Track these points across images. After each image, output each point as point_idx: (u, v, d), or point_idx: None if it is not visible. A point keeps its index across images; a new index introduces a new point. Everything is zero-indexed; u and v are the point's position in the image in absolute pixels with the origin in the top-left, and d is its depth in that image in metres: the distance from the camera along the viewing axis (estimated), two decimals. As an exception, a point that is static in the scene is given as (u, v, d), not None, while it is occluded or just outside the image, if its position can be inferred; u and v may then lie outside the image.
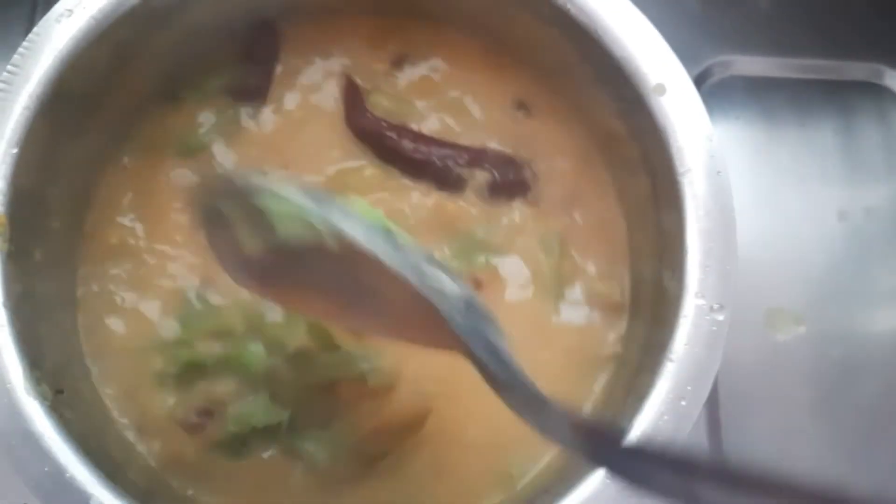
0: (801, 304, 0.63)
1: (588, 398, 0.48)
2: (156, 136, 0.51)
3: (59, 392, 0.41)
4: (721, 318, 0.41)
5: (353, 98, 0.52)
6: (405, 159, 0.51)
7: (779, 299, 0.63)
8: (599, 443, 0.32)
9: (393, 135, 0.51)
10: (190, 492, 0.46)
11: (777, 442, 0.61)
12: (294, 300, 0.41)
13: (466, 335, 0.34)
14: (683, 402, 0.40)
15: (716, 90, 0.67)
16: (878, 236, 0.65)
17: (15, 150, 0.42)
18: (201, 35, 0.50)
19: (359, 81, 0.52)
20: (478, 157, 0.51)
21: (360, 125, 0.51)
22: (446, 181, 0.50)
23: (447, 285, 0.34)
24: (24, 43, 0.43)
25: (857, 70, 0.68)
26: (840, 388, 0.62)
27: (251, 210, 0.35)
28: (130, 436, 0.46)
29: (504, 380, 0.34)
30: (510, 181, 0.51)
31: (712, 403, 0.61)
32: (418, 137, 0.51)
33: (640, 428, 0.40)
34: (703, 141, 0.44)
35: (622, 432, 0.38)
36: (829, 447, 0.61)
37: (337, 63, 0.53)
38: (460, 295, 0.35)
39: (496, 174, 0.51)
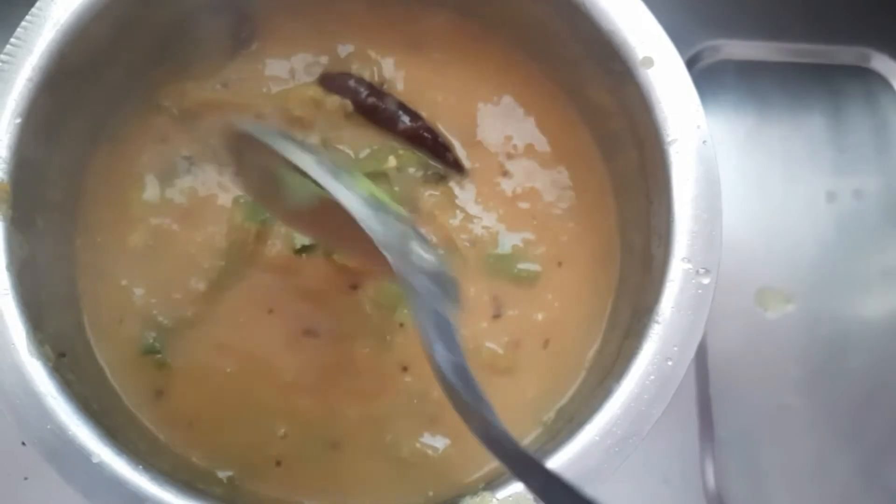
0: (791, 284, 0.64)
1: (580, 364, 0.49)
2: (149, 111, 0.52)
3: (61, 355, 0.42)
4: (707, 281, 0.42)
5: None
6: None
7: (768, 278, 0.64)
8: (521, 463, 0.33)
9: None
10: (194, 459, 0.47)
11: (766, 418, 0.62)
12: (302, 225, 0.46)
13: (417, 309, 0.36)
14: (670, 363, 0.41)
15: (706, 74, 0.68)
16: (866, 217, 0.66)
17: (18, 120, 0.43)
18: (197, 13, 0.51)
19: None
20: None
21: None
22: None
23: (425, 258, 0.37)
24: (27, 17, 0.44)
25: (845, 54, 0.69)
26: (829, 365, 0.63)
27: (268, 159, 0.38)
28: (130, 403, 0.47)
29: (441, 356, 0.35)
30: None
31: (702, 380, 0.62)
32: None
33: (628, 388, 0.41)
34: (689, 111, 0.45)
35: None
36: (818, 423, 0.62)
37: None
38: (432, 267, 0.37)
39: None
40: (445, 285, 0.37)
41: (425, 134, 0.52)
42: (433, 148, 0.52)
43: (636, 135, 0.47)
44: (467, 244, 0.51)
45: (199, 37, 0.52)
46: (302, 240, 0.49)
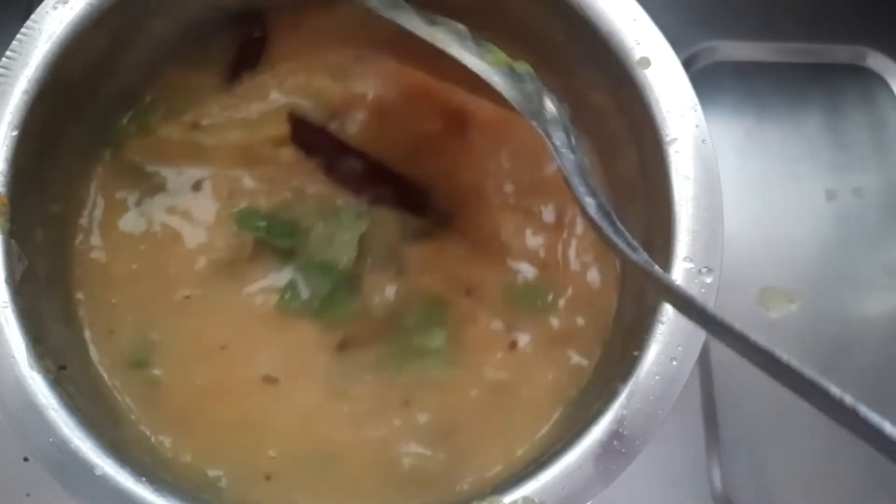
0: (793, 283, 0.64)
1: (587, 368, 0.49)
2: (137, 129, 0.52)
3: (62, 368, 0.42)
4: (709, 280, 0.42)
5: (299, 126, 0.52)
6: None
7: (770, 278, 0.64)
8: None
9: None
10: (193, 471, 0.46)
11: (772, 419, 0.62)
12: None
13: (563, 161, 0.41)
14: (674, 362, 0.41)
15: (702, 76, 0.68)
16: (866, 215, 0.66)
17: (15, 133, 0.43)
18: (194, 24, 0.51)
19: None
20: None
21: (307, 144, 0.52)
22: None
23: (554, 112, 0.42)
24: (23, 29, 0.44)
25: (841, 53, 0.70)
26: (833, 364, 0.63)
27: None
28: (128, 416, 0.47)
29: (588, 202, 0.40)
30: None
31: (706, 382, 0.62)
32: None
33: (633, 388, 0.41)
34: (687, 111, 0.45)
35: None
36: (824, 423, 0.61)
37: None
38: (562, 119, 0.42)
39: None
40: (572, 134, 0.42)
41: (399, 200, 0.51)
42: (407, 212, 0.51)
43: (635, 136, 0.47)
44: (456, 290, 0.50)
45: (195, 53, 0.53)
46: (287, 298, 0.49)
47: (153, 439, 0.46)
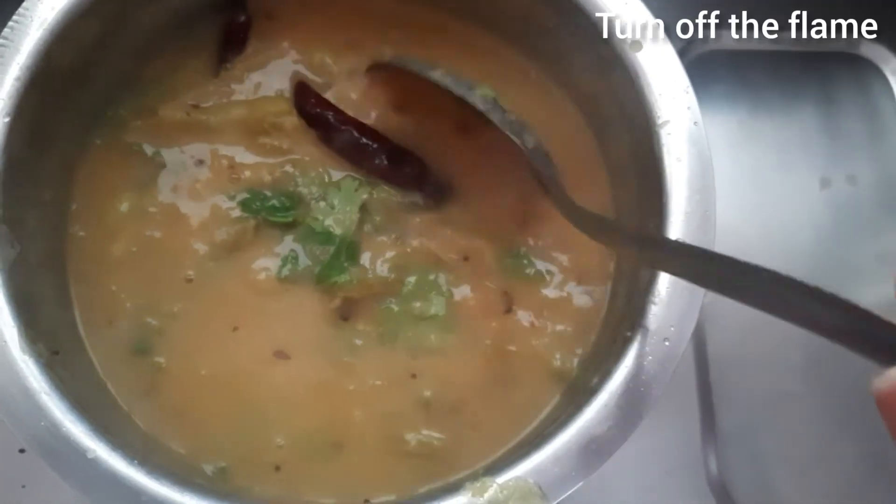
0: (788, 271, 0.64)
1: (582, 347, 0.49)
2: (136, 112, 0.52)
3: (54, 353, 0.42)
4: (702, 261, 0.42)
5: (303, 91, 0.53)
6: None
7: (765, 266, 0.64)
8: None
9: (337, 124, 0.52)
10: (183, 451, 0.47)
11: (768, 406, 0.62)
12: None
13: (539, 168, 0.47)
14: (667, 343, 0.41)
15: (697, 65, 0.68)
16: (860, 203, 0.66)
17: (7, 119, 0.43)
18: (182, 11, 0.51)
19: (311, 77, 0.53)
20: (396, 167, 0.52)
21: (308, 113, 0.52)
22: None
23: (533, 140, 0.47)
24: (14, 16, 0.44)
25: (835, 41, 0.69)
26: (829, 351, 0.62)
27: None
28: (122, 400, 0.47)
29: (559, 197, 0.45)
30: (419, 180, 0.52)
31: (702, 370, 0.62)
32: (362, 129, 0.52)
33: (627, 368, 0.41)
34: (679, 93, 0.45)
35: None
36: (820, 409, 0.62)
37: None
38: (539, 146, 0.47)
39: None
40: (547, 159, 0.47)
41: (396, 172, 0.52)
42: (404, 185, 0.52)
43: (628, 119, 0.47)
44: (454, 257, 0.51)
45: (184, 41, 0.53)
46: (288, 268, 0.50)
47: (152, 429, 0.46)
